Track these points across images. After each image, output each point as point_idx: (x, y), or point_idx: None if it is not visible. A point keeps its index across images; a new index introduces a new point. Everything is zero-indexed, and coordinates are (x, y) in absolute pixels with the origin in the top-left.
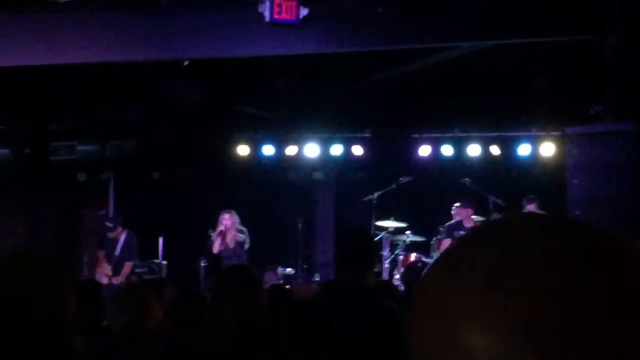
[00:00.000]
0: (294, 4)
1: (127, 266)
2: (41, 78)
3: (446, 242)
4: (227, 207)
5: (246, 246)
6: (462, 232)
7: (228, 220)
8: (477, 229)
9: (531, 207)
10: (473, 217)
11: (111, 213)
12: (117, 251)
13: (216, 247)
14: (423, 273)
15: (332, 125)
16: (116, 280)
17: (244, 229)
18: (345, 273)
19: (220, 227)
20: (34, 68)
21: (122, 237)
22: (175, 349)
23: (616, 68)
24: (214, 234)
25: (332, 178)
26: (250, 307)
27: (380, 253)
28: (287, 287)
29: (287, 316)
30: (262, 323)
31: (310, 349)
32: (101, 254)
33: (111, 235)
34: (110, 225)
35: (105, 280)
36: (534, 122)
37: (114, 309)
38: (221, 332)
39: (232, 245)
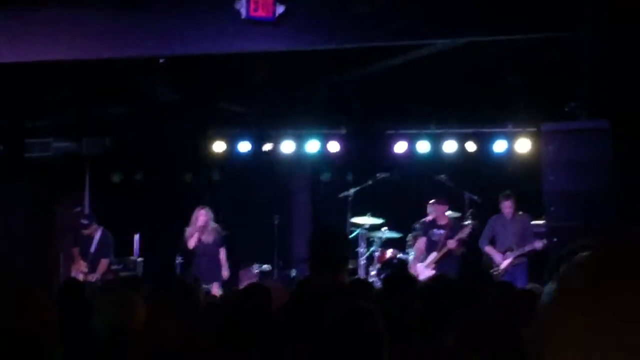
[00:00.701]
0: (270, 1)
1: (103, 263)
2: (16, 75)
3: (422, 240)
4: (203, 204)
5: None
6: (436, 231)
7: (205, 216)
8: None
9: (507, 204)
10: (448, 213)
11: (87, 210)
12: (93, 248)
13: (192, 243)
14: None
15: (308, 121)
16: (92, 277)
17: (216, 225)
18: (319, 273)
19: (199, 223)
20: (9, 65)
21: (98, 234)
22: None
23: (591, 66)
24: (189, 230)
25: (308, 175)
26: (183, 319)
27: (356, 250)
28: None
29: (265, 316)
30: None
31: (287, 349)
32: (76, 251)
33: (86, 232)
34: (86, 222)
35: (81, 277)
36: (509, 118)
37: (98, 310)
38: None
39: (208, 242)
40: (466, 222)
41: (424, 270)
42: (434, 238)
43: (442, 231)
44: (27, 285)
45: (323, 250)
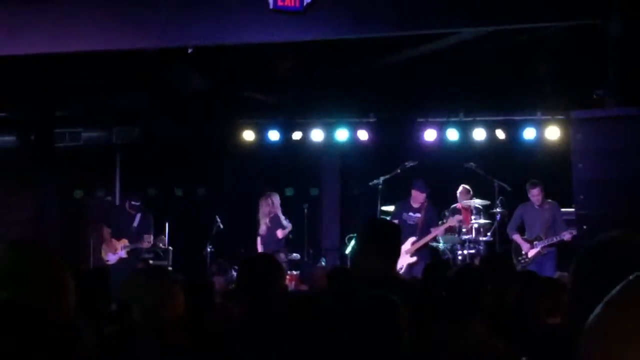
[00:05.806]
0: None
1: (147, 237)
2: (46, 65)
3: None
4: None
5: (286, 231)
6: (412, 214)
7: (274, 202)
8: None
9: (535, 192)
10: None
11: (117, 199)
12: (135, 223)
13: (262, 229)
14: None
15: (337, 110)
16: (142, 244)
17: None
18: (376, 263)
19: (270, 208)
20: (39, 55)
21: (138, 215)
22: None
23: (619, 52)
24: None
25: (338, 163)
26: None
27: None
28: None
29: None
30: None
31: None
32: (107, 231)
33: (133, 211)
34: (137, 203)
35: (122, 255)
36: (539, 106)
37: (134, 297)
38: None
39: (271, 229)
40: (497, 210)
41: (403, 257)
42: (410, 222)
43: (418, 215)
44: (47, 257)
45: (382, 241)
